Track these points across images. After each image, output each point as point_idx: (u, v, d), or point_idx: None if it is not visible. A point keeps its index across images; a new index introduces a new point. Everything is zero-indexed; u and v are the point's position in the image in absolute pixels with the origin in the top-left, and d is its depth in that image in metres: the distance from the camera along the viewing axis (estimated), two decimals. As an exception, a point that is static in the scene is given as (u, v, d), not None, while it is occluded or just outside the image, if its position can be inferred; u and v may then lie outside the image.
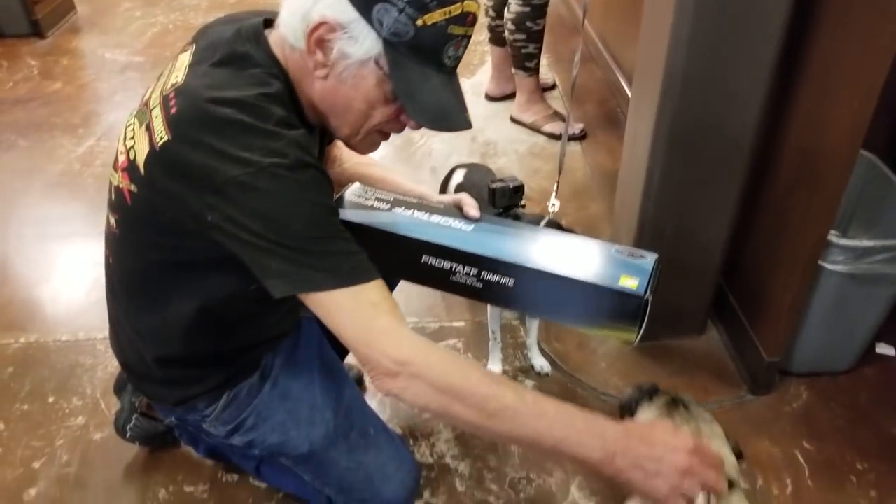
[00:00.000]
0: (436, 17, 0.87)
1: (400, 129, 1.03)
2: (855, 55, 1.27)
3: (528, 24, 2.56)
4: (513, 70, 2.75)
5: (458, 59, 0.95)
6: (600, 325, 1.03)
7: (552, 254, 1.06)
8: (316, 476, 1.27)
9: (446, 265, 1.06)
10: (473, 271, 1.05)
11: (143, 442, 1.48)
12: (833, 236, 1.48)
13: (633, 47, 2.92)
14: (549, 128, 2.75)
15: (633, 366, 1.79)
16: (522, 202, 1.62)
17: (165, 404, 1.21)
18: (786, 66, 1.44)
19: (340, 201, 1.14)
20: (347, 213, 1.09)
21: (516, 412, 0.89)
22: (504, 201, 1.58)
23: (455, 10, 0.88)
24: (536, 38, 2.61)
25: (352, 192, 1.17)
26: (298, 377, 1.23)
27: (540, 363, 1.75)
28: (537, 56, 2.67)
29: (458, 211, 1.15)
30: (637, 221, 1.67)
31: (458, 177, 1.82)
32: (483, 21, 2.94)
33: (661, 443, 0.88)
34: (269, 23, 1.00)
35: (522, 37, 2.59)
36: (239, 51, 0.95)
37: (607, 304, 1.01)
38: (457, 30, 0.90)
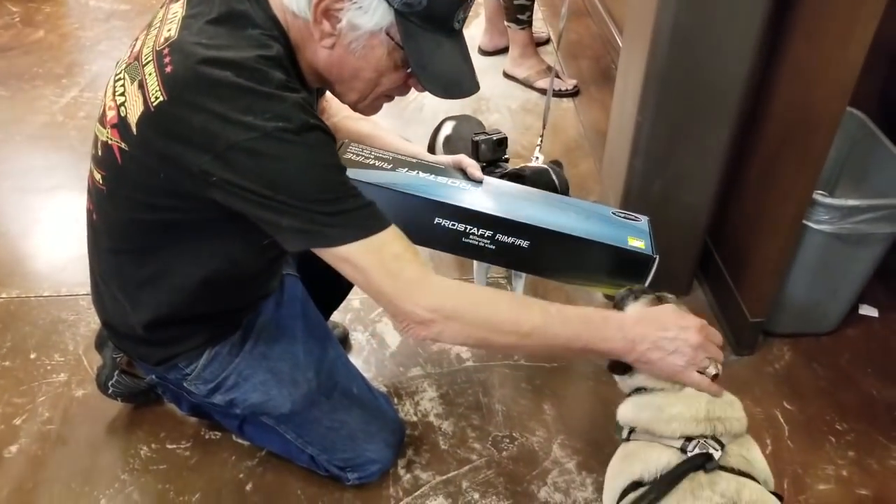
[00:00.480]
0: None
1: (406, 93, 1.02)
2: (845, 8, 1.24)
3: (521, -26, 2.49)
4: (505, 23, 2.68)
5: (465, 20, 0.95)
6: (609, 283, 1.09)
7: (563, 215, 1.10)
8: (298, 435, 1.27)
9: (460, 226, 1.07)
10: (488, 233, 1.06)
11: (126, 398, 1.48)
12: (818, 195, 1.47)
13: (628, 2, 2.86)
14: (542, 83, 2.70)
15: (618, 325, 1.79)
16: (506, 156, 1.61)
17: (147, 364, 1.20)
18: (776, 18, 1.40)
19: (347, 160, 1.13)
20: (349, 172, 1.08)
21: (546, 327, 0.94)
22: (488, 155, 1.57)
23: None
24: (529, -12, 2.54)
25: (349, 150, 1.15)
26: (280, 336, 1.22)
27: (524, 322, 1.75)
28: (530, 8, 2.60)
29: (460, 172, 1.14)
30: (624, 177, 1.65)
31: (447, 129, 1.79)
32: (476, -29, 2.86)
33: (673, 324, 0.95)
34: None
35: (515, -13, 2.52)
36: (237, 8, 0.91)
37: (620, 264, 1.06)
38: None
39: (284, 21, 0.93)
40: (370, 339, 1.72)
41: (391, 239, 0.92)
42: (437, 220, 1.07)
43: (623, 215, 1.13)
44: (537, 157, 1.62)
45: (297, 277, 1.31)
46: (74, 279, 1.82)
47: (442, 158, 1.20)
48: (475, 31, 3.03)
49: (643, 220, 1.12)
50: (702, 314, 1.79)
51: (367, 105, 1.02)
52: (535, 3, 2.64)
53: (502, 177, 1.50)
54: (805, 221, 1.49)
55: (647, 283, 1.08)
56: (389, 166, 1.12)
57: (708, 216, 1.70)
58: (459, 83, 0.96)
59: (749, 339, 1.69)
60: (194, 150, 0.86)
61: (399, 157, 1.16)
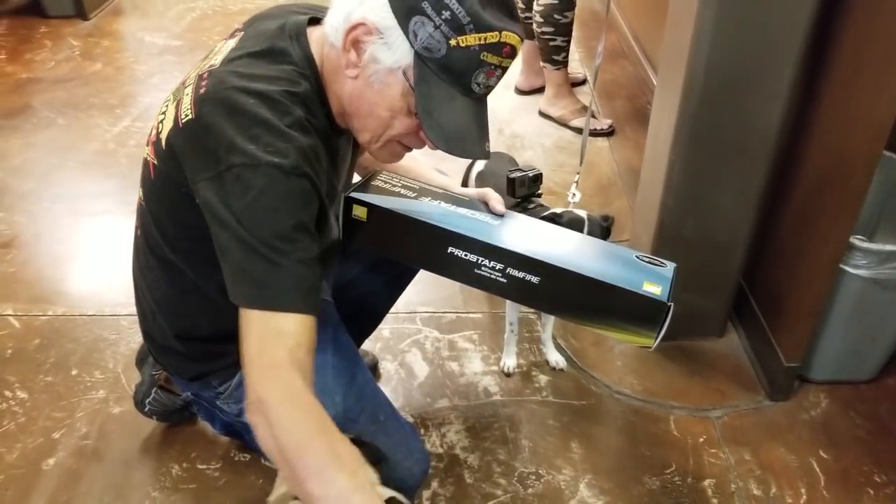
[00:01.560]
0: (470, 40, 0.87)
1: (420, 145, 1.02)
2: (882, 54, 1.24)
3: (556, 16, 2.54)
4: (541, 63, 2.73)
5: (488, 88, 0.94)
6: (620, 328, 1.05)
7: (578, 255, 1.08)
8: None
9: (472, 258, 1.07)
10: (499, 266, 1.06)
11: (161, 417, 1.52)
12: (856, 240, 1.45)
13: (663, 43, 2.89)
14: (576, 122, 2.72)
15: (649, 365, 1.77)
16: (540, 191, 1.62)
17: (182, 378, 1.23)
18: (812, 62, 1.41)
19: (365, 186, 1.15)
20: (374, 198, 1.10)
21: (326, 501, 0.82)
22: (523, 191, 1.58)
23: (492, 37, 0.87)
24: (564, 30, 2.58)
25: (379, 177, 1.18)
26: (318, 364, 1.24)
27: (555, 358, 1.75)
28: (566, 49, 2.65)
29: (483, 205, 1.16)
30: (657, 216, 1.65)
31: (480, 165, 1.82)
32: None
33: None
34: (316, 21, 1.01)
35: (550, 29, 2.57)
36: (278, 46, 0.96)
37: (631, 308, 1.02)
38: (490, 58, 0.89)
39: (320, 57, 0.97)
40: (399, 368, 1.74)
41: (292, 319, 0.88)
42: (450, 250, 1.08)
43: (648, 259, 1.09)
44: (574, 195, 1.63)
45: (331, 303, 1.34)
46: (117, 300, 1.88)
47: (469, 191, 1.21)
48: (512, 70, 3.08)
49: (668, 267, 1.08)
50: (736, 358, 1.80)
51: (380, 148, 1.02)
52: (571, 44, 2.68)
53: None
54: (842, 266, 1.48)
55: (659, 333, 1.02)
56: (413, 195, 1.14)
57: (742, 257, 1.69)
58: (463, 140, 0.95)
59: (784, 385, 1.66)
60: (199, 166, 0.90)
61: (426, 186, 1.18)
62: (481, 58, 0.89)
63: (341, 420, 1.23)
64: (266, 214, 0.88)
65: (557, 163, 2.57)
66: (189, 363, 1.20)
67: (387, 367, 1.74)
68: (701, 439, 1.58)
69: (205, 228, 0.98)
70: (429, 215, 1.09)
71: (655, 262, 1.09)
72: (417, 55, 0.89)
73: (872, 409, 1.66)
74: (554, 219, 1.46)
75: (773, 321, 1.69)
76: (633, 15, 3.25)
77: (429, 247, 1.09)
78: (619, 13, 3.46)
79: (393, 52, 0.89)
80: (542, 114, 2.83)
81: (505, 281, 1.07)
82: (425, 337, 1.83)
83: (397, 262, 1.37)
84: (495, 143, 2.66)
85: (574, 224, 1.46)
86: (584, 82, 3.05)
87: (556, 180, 2.45)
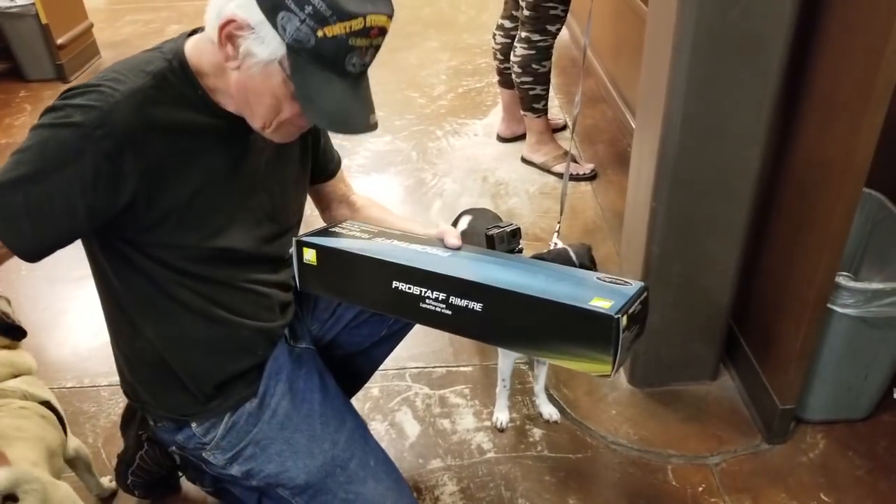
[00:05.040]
0: (336, 30, 0.90)
1: (310, 125, 1.06)
2: (854, 94, 1.26)
3: (534, 66, 2.58)
4: (521, 112, 2.76)
5: (364, 66, 0.98)
6: (574, 354, 0.94)
7: (526, 276, 1.00)
8: None
9: (416, 290, 1.02)
10: (442, 296, 1.00)
11: (144, 490, 1.47)
12: (842, 278, 1.45)
13: (642, 87, 2.94)
14: (559, 168, 2.74)
15: (644, 412, 1.74)
16: (521, 246, 1.61)
17: (161, 421, 1.21)
18: (785, 103, 1.43)
19: (320, 231, 1.13)
20: (323, 240, 1.08)
21: None
22: (503, 246, 1.57)
23: (356, 24, 0.90)
24: (543, 79, 2.62)
25: (339, 225, 1.17)
26: (299, 407, 1.22)
27: (549, 411, 1.72)
28: (545, 97, 2.68)
29: (439, 241, 1.12)
30: (643, 263, 1.65)
31: (464, 223, 1.82)
32: (492, 64, 2.97)
33: None
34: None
35: (529, 79, 2.61)
36: (160, 44, 1.04)
37: (579, 328, 0.92)
38: (360, 42, 0.92)
39: (197, 51, 1.01)
40: (389, 428, 1.70)
41: None
42: (395, 284, 1.03)
43: (610, 280, 1.00)
44: (556, 243, 1.63)
45: (314, 350, 1.31)
46: (97, 369, 1.84)
47: (430, 231, 1.17)
48: (494, 119, 3.12)
49: (634, 286, 0.98)
50: (730, 401, 1.77)
51: (274, 131, 1.04)
52: (550, 90, 2.72)
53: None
54: (830, 305, 1.47)
55: (616, 354, 0.91)
56: (368, 237, 1.11)
57: (730, 299, 1.68)
58: (346, 120, 0.98)
59: (780, 427, 1.63)
60: None
61: (385, 230, 1.16)
62: (350, 44, 0.92)
63: (330, 466, 1.20)
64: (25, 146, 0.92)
65: (543, 209, 2.58)
66: (161, 393, 1.18)
67: (377, 427, 1.70)
68: (700, 488, 1.55)
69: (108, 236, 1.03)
70: (375, 252, 1.05)
71: (619, 282, 1.00)
72: (289, 47, 0.92)
73: (870, 447, 1.64)
74: (540, 258, 1.46)
75: (765, 363, 1.67)
76: (610, 60, 3.31)
77: (375, 283, 1.06)
78: (597, 59, 3.52)
79: (266, 45, 0.93)
80: (524, 160, 2.86)
81: (450, 313, 1.00)
82: (415, 394, 1.80)
83: (381, 321, 1.35)
84: (480, 192, 2.68)
85: (559, 255, 1.45)
86: (564, 128, 3.09)
87: (542, 226, 2.46)
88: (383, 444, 1.63)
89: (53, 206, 0.94)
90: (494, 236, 1.52)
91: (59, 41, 3.67)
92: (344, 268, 1.08)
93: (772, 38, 1.33)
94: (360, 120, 0.99)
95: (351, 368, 1.44)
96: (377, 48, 0.97)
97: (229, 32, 0.93)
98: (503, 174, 2.81)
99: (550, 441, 1.66)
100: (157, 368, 1.15)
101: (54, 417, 1.29)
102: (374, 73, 0.99)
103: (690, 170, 1.48)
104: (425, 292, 1.01)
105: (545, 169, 2.79)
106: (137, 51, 1.03)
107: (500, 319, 0.99)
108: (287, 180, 1.18)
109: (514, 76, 2.65)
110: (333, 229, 1.15)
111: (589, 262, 1.49)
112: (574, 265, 1.42)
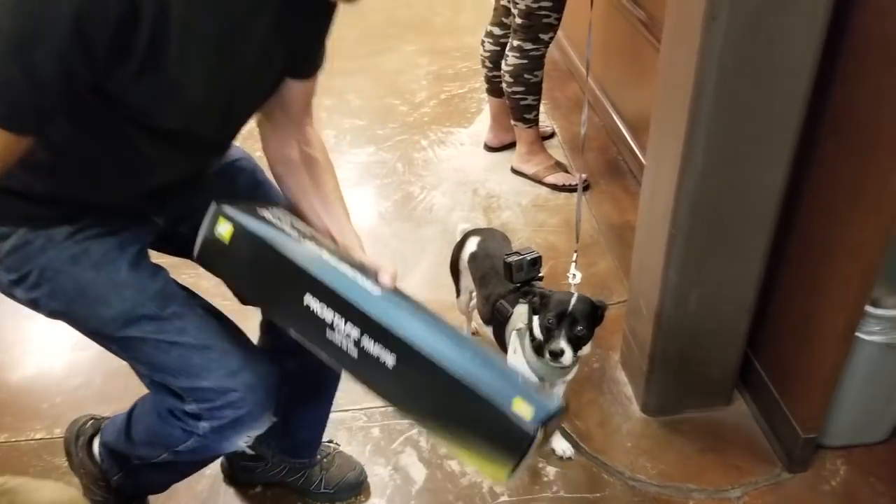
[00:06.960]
0: None
1: None
2: (888, 112, 1.19)
3: (527, 76, 2.49)
4: (512, 122, 2.68)
5: None
6: (474, 449, 0.87)
7: (453, 349, 0.90)
8: (129, 357, 1.15)
9: (327, 315, 0.91)
10: (354, 333, 0.90)
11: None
12: (868, 306, 1.40)
13: (632, 94, 2.86)
14: (551, 179, 2.67)
15: (660, 443, 1.68)
16: (541, 275, 1.53)
17: None
18: (811, 129, 1.37)
19: (246, 207, 1.02)
20: (247, 220, 0.99)
21: None
22: (521, 275, 1.49)
23: None
24: (535, 89, 2.54)
25: (270, 209, 1.05)
26: (110, 253, 1.09)
27: (562, 447, 1.63)
28: (536, 107, 2.60)
29: (372, 274, 0.99)
30: (659, 291, 1.57)
31: (472, 245, 1.72)
32: (473, 68, 2.87)
33: None
34: None
35: (521, 89, 2.52)
36: None
37: (491, 427, 0.84)
38: None
39: None
40: (393, 474, 1.60)
41: None
42: (306, 300, 0.92)
43: (535, 388, 0.95)
44: (574, 275, 1.54)
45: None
46: (69, 417, 1.69)
47: (367, 258, 1.05)
48: (480, 127, 3.03)
49: (556, 402, 0.91)
50: (747, 427, 1.71)
51: None
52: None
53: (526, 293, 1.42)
54: (856, 333, 1.42)
55: (517, 467, 0.84)
56: (297, 236, 1.00)
57: (747, 325, 1.62)
58: None
59: (803, 456, 1.58)
60: None
61: (318, 236, 1.05)
62: None
63: (131, 315, 1.07)
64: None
65: (537, 222, 2.49)
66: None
67: (379, 472, 1.59)
68: (725, 526, 1.49)
69: None
70: (298, 256, 0.95)
71: (543, 392, 0.96)
72: None
73: (891, 472, 1.59)
74: (543, 295, 1.38)
75: (785, 389, 1.61)
76: (601, 67, 3.22)
77: (285, 290, 0.95)
78: (584, 66, 3.44)
79: None
80: (514, 171, 2.77)
81: (356, 356, 0.90)
82: (419, 432, 1.70)
83: None
84: (471, 206, 2.58)
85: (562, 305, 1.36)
86: (552, 135, 3.01)
87: (537, 241, 2.38)
88: (388, 492, 1.55)
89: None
90: (513, 265, 1.44)
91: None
92: (257, 259, 0.97)
93: (800, 60, 1.26)
94: None
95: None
96: None
97: None
98: (494, 186, 2.72)
99: (566, 480, 1.58)
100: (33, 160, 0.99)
101: None
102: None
103: (712, 197, 1.42)
104: (336, 321, 0.90)
105: (536, 180, 2.71)
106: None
107: (408, 384, 0.89)
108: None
109: (504, 85, 2.56)
110: (262, 213, 1.02)
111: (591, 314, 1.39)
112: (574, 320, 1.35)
